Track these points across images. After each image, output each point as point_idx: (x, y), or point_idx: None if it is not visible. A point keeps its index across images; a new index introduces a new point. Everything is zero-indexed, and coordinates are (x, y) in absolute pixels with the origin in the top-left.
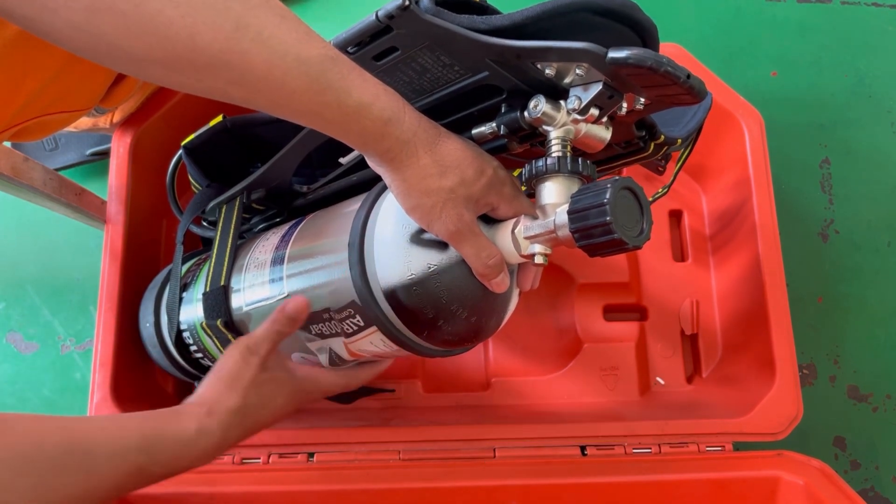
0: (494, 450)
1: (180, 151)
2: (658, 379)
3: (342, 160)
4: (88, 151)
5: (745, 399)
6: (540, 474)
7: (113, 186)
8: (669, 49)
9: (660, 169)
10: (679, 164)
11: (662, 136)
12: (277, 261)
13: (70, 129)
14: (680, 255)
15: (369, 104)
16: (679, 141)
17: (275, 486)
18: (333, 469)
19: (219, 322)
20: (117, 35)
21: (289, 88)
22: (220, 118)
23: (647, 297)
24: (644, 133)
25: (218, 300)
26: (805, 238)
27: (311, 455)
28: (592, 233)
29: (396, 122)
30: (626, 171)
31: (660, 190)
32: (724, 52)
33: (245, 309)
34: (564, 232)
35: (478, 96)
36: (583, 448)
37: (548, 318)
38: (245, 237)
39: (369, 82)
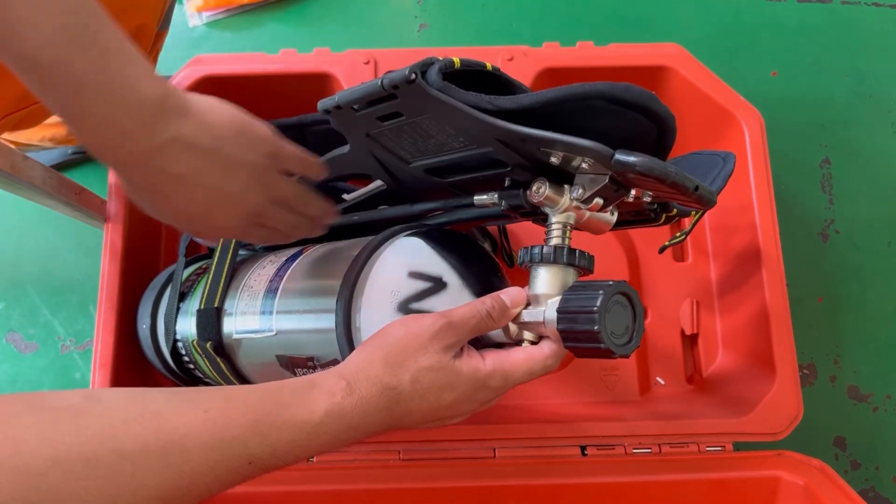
0: (494, 450)
1: None
2: (658, 379)
3: (346, 196)
4: None
5: (745, 399)
6: (540, 474)
7: (113, 185)
8: (669, 49)
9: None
10: (699, 214)
11: (675, 210)
12: (271, 292)
13: None
14: (680, 255)
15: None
16: (693, 212)
17: (275, 486)
18: (333, 469)
19: (208, 345)
20: None
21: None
22: None
23: (647, 297)
24: (656, 206)
25: (210, 321)
26: (805, 238)
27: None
28: (579, 337)
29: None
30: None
31: (677, 235)
32: (724, 52)
33: (235, 336)
34: (553, 328)
35: (483, 164)
36: (583, 448)
37: None
38: (249, 252)
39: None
